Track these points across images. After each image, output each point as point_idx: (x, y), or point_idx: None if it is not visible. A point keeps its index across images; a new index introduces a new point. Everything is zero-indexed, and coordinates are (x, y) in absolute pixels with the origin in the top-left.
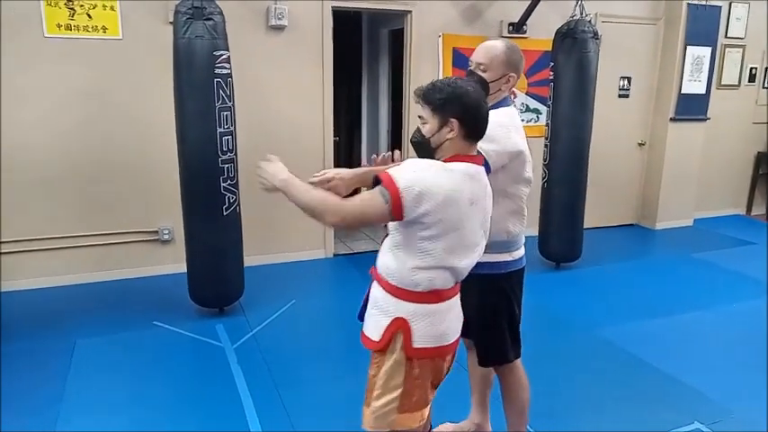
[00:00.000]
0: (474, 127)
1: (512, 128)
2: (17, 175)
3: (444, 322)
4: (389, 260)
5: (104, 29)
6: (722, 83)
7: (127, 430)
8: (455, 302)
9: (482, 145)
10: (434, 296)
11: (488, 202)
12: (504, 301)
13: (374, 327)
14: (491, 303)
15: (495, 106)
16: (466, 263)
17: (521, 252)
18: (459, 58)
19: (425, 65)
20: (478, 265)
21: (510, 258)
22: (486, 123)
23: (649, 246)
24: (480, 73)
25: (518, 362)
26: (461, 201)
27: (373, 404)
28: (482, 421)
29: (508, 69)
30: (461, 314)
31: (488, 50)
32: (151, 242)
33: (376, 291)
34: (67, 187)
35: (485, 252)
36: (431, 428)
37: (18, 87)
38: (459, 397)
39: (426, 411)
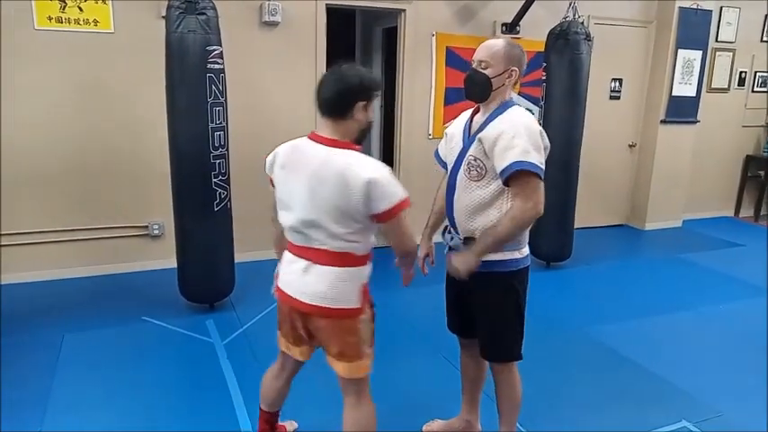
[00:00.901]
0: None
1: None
2: (6, 169)
3: (283, 268)
4: None
5: (96, 22)
6: (712, 86)
7: (114, 425)
8: (292, 258)
9: (535, 158)
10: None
11: (315, 177)
12: (514, 297)
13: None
14: (502, 301)
15: (502, 110)
16: (284, 220)
17: (527, 250)
18: (453, 58)
19: (419, 64)
20: (489, 263)
21: (519, 256)
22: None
23: (638, 246)
24: (482, 70)
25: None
26: (275, 164)
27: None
28: (472, 419)
29: (509, 64)
30: (317, 283)
31: (489, 47)
32: (141, 237)
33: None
34: (57, 181)
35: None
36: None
37: (8, 81)
38: (450, 395)
39: (289, 346)
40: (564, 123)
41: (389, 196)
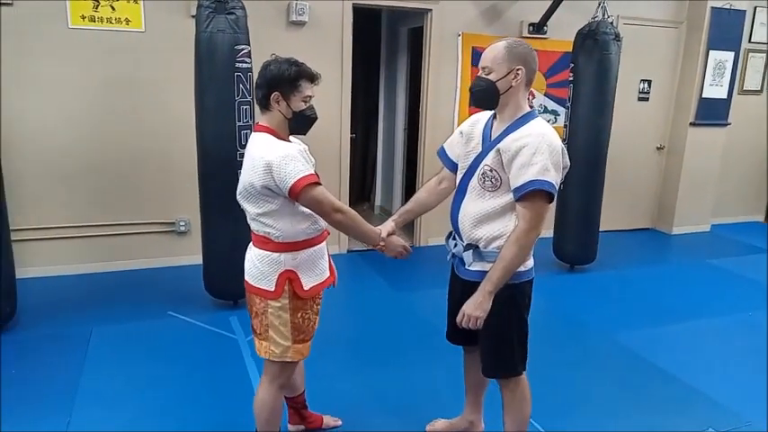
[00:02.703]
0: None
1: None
2: (38, 164)
3: None
4: None
5: (127, 21)
6: (744, 88)
7: (140, 419)
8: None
9: (553, 177)
10: None
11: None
12: (515, 311)
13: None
14: (501, 313)
15: (524, 121)
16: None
17: (531, 262)
18: (479, 58)
19: (444, 64)
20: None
21: (522, 269)
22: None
23: (665, 251)
24: (485, 76)
25: (523, 375)
26: None
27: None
28: (475, 419)
29: (513, 63)
30: (248, 260)
31: (489, 51)
32: (168, 233)
33: None
34: (87, 177)
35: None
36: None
37: (41, 77)
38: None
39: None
40: (591, 125)
41: (285, 177)
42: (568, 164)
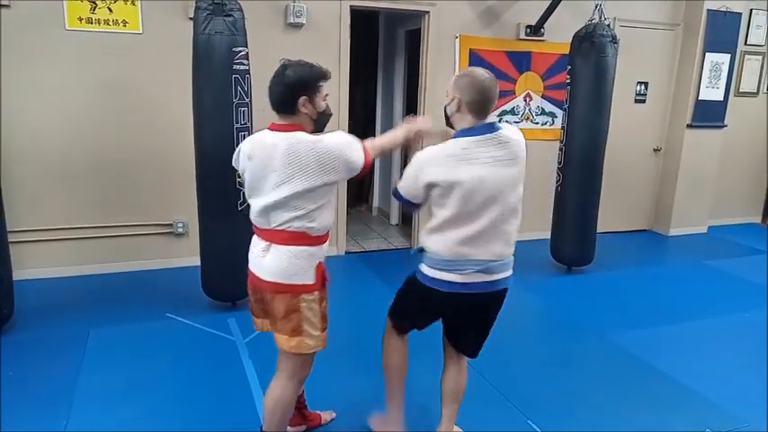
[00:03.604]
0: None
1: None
2: (35, 166)
3: (251, 249)
4: None
5: (125, 23)
6: (740, 90)
7: (138, 421)
8: (256, 242)
9: (402, 183)
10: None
11: (276, 161)
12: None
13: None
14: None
15: (457, 135)
16: (253, 205)
17: (462, 278)
18: (476, 60)
19: (442, 66)
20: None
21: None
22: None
23: (662, 252)
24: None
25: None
26: (240, 157)
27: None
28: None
29: (454, 92)
30: (274, 260)
31: None
32: (165, 235)
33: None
34: (84, 178)
35: None
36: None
37: (39, 80)
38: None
39: (254, 319)
40: (588, 126)
41: (358, 158)
42: (437, 181)
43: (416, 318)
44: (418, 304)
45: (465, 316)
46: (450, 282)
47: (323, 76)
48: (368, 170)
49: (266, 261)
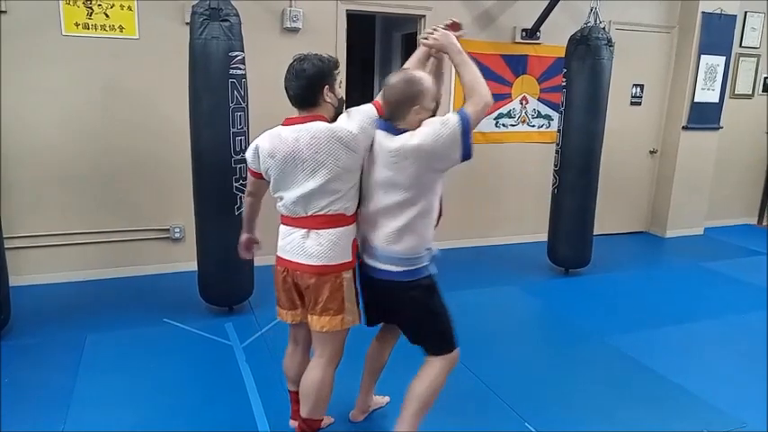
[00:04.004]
0: None
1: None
2: (32, 172)
3: (281, 240)
4: None
5: (121, 28)
6: (736, 92)
7: (135, 426)
8: (289, 230)
9: None
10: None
11: (305, 151)
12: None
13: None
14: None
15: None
16: (287, 198)
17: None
18: None
19: None
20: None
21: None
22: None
23: (659, 254)
24: None
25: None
26: (260, 156)
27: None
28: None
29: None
30: (319, 245)
31: None
32: (162, 240)
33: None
34: (81, 184)
35: None
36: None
37: (35, 85)
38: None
39: (282, 312)
40: (584, 129)
41: (369, 120)
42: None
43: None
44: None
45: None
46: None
47: (337, 65)
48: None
49: (309, 246)
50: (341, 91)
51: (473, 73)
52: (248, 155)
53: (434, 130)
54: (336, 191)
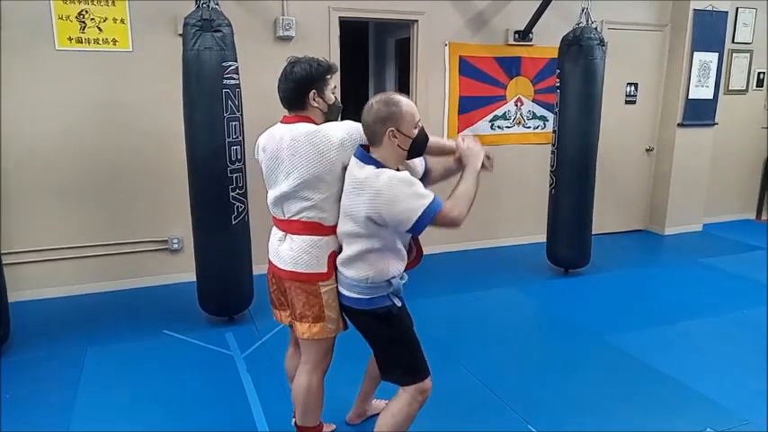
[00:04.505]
0: None
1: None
2: (28, 186)
3: (269, 240)
4: None
5: (114, 41)
6: (730, 88)
7: None
8: (274, 231)
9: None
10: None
11: (287, 151)
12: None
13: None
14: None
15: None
16: (269, 195)
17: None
18: (466, 67)
19: (432, 73)
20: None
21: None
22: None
23: (658, 251)
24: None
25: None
26: (259, 149)
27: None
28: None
29: None
30: (291, 249)
31: None
32: (161, 251)
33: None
34: (78, 198)
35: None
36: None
37: (30, 99)
38: (472, 405)
39: (275, 312)
40: (579, 129)
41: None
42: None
43: None
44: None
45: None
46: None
47: (329, 69)
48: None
49: (282, 250)
50: (332, 96)
51: (470, 190)
52: (255, 147)
53: (401, 193)
54: (307, 198)
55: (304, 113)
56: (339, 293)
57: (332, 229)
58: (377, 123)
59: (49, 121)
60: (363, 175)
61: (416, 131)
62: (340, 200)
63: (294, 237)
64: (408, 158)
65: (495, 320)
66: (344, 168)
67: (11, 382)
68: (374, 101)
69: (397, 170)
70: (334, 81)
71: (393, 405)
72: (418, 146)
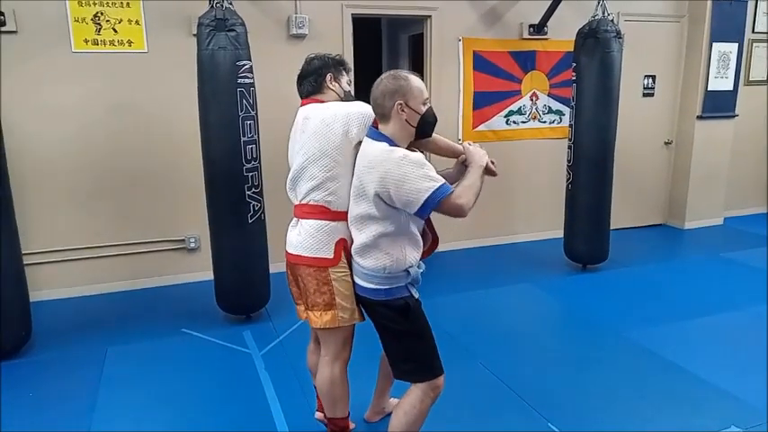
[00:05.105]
0: None
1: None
2: (46, 187)
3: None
4: None
5: (130, 43)
6: (750, 79)
7: None
8: (295, 222)
9: None
10: None
11: (301, 130)
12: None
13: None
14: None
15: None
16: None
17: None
18: (480, 62)
19: (446, 69)
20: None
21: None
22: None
23: (678, 246)
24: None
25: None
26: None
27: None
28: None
29: None
30: (299, 234)
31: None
32: (178, 250)
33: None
34: (95, 198)
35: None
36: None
37: (48, 102)
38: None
39: (297, 309)
40: (596, 123)
41: (366, 116)
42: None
43: None
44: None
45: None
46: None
47: (344, 63)
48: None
49: (293, 236)
50: (348, 87)
51: (476, 184)
52: None
53: (411, 174)
54: (313, 176)
55: (320, 96)
56: (355, 284)
57: (339, 215)
58: (385, 97)
59: (67, 122)
60: (375, 152)
61: (425, 108)
62: (346, 184)
63: (303, 221)
64: (417, 138)
65: (512, 317)
66: (351, 147)
67: (33, 382)
68: (383, 77)
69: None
70: (349, 77)
71: (405, 402)
72: (427, 124)
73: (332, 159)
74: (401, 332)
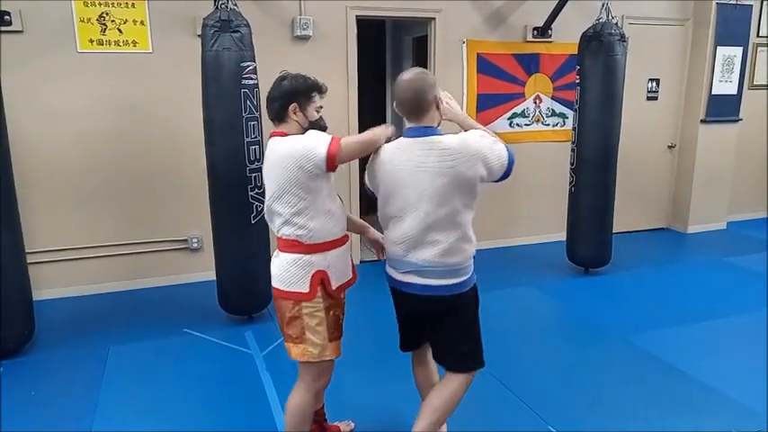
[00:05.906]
0: None
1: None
2: (50, 186)
3: None
4: None
5: (135, 43)
6: (754, 83)
7: None
8: (276, 253)
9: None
10: None
11: (267, 165)
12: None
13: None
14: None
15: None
16: None
17: (400, 276)
18: (484, 64)
19: (450, 71)
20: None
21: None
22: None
23: (681, 250)
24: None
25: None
26: None
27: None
28: None
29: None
30: (277, 266)
31: None
32: (181, 251)
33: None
34: (98, 197)
35: None
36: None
37: (53, 102)
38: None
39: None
40: (600, 126)
41: (320, 146)
42: (376, 182)
43: (399, 325)
44: (395, 309)
45: (419, 320)
46: (392, 277)
47: (317, 87)
48: (334, 162)
49: (273, 266)
50: (316, 114)
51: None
52: None
53: (487, 144)
54: (279, 213)
55: (283, 127)
56: (431, 287)
57: (314, 248)
58: (426, 92)
59: (71, 121)
60: (454, 143)
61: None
62: (312, 218)
63: (280, 253)
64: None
65: (514, 320)
66: (315, 179)
67: (35, 380)
68: (406, 78)
69: None
70: (322, 101)
71: (450, 388)
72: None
73: (293, 195)
74: (472, 318)
